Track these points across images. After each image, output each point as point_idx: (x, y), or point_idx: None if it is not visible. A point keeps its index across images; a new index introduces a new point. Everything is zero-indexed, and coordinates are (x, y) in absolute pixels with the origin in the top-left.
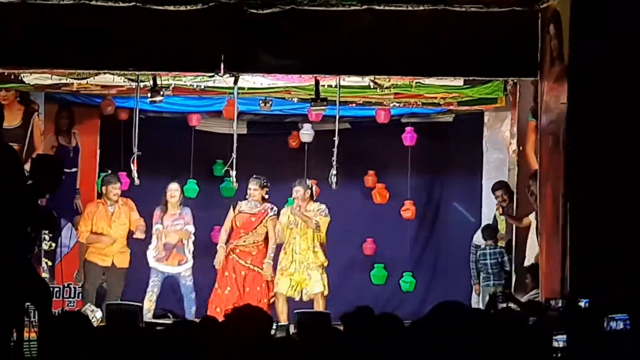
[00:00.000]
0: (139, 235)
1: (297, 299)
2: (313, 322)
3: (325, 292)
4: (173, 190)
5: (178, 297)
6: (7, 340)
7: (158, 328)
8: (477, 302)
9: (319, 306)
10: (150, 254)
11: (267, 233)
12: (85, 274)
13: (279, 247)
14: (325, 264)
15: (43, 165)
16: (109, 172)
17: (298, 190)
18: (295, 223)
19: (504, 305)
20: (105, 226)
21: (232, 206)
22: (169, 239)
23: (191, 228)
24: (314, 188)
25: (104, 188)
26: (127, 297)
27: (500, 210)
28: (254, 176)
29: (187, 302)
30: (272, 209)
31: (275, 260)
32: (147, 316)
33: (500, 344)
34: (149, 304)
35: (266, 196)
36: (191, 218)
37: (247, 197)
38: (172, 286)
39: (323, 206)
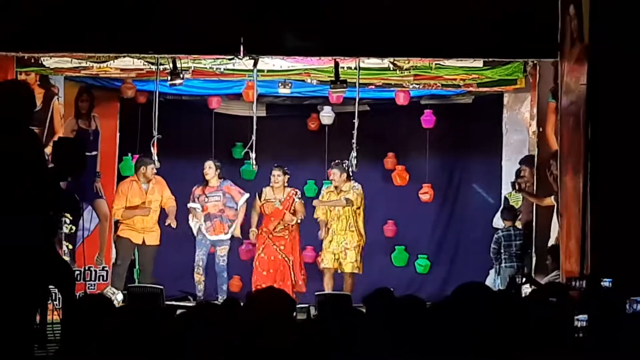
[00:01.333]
0: (171, 222)
1: (339, 271)
2: (333, 304)
3: (359, 272)
4: (207, 167)
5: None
6: (31, 323)
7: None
8: (496, 284)
9: (347, 285)
10: (194, 226)
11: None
12: (117, 251)
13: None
14: (362, 244)
15: (65, 149)
16: (141, 154)
17: (335, 173)
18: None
19: (524, 286)
20: (139, 203)
21: (257, 194)
22: (210, 209)
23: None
24: (349, 168)
25: (142, 168)
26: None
27: (517, 187)
28: (276, 165)
29: (219, 279)
30: (296, 194)
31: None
32: (199, 289)
33: (522, 325)
34: (197, 277)
35: (286, 183)
36: (234, 188)
37: (270, 184)
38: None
39: (357, 184)
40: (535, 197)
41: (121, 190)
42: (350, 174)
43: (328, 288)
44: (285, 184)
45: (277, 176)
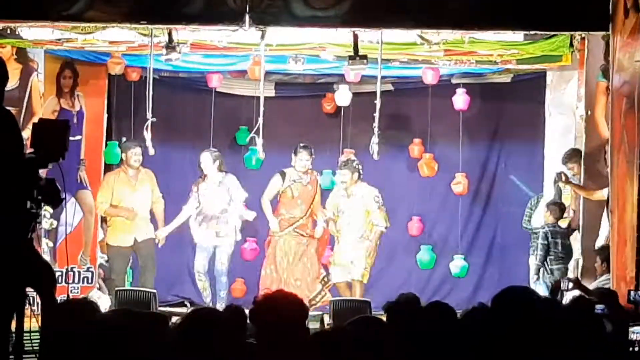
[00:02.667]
0: (160, 238)
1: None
2: (350, 312)
3: (364, 280)
4: (203, 160)
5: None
6: (5, 331)
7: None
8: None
9: (356, 293)
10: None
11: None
12: (110, 264)
13: None
14: (371, 260)
15: (45, 132)
16: (124, 139)
17: (344, 174)
18: (341, 210)
19: (571, 292)
20: (127, 195)
21: (280, 175)
22: (208, 209)
23: (239, 196)
24: (360, 167)
25: (123, 155)
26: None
27: (564, 177)
28: (302, 145)
29: (218, 285)
30: (317, 175)
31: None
32: (205, 295)
33: (570, 337)
34: (201, 284)
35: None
36: (236, 185)
37: (294, 166)
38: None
39: (375, 191)
40: (583, 190)
41: (106, 182)
42: (361, 174)
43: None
44: (310, 167)
45: (306, 160)
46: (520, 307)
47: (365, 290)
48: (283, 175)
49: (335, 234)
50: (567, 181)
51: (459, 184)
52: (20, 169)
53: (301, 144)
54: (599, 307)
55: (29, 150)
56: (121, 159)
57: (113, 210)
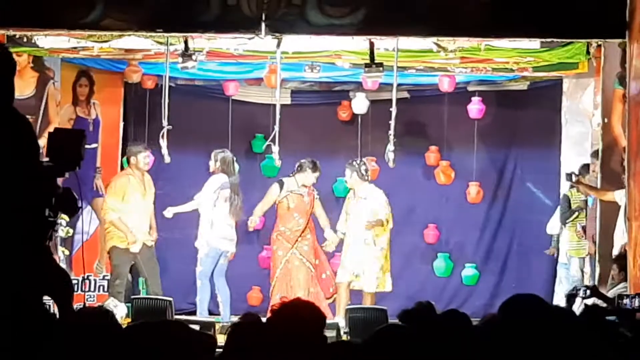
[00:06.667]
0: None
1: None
2: (366, 320)
3: (382, 288)
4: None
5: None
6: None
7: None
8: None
9: (366, 302)
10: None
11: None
12: (114, 267)
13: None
14: (386, 264)
15: (61, 141)
16: (129, 142)
17: (346, 174)
18: (349, 213)
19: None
20: (139, 198)
21: (278, 184)
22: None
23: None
24: (363, 168)
25: (132, 158)
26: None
27: (575, 178)
28: (314, 162)
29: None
30: (314, 189)
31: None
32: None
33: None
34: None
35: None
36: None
37: (295, 177)
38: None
39: (380, 193)
40: (594, 190)
41: (118, 186)
42: (363, 174)
43: (341, 304)
44: (314, 183)
45: (312, 177)
46: (527, 317)
47: (380, 297)
48: (281, 184)
49: (331, 248)
50: (578, 181)
51: (474, 192)
52: (39, 177)
53: (312, 161)
54: (611, 317)
55: (45, 159)
56: (128, 162)
57: (120, 224)
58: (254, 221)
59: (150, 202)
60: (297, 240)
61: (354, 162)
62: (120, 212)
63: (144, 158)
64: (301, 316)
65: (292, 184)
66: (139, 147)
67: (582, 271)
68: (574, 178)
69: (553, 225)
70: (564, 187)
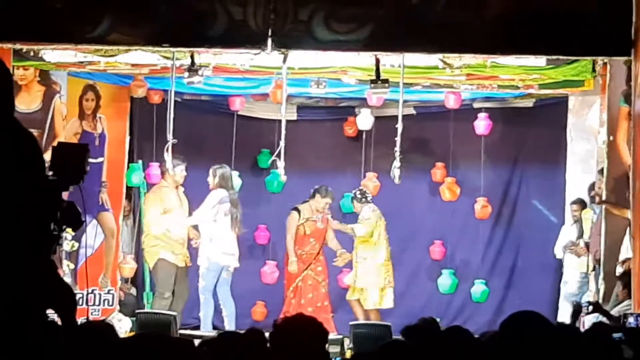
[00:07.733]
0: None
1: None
2: (370, 336)
3: (384, 304)
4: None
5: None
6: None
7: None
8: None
9: (371, 320)
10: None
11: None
12: (160, 277)
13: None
14: (389, 277)
15: (65, 155)
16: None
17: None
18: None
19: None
20: (177, 208)
21: (296, 211)
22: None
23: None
24: (358, 193)
25: (170, 171)
26: None
27: (598, 198)
28: (326, 189)
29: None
30: (328, 212)
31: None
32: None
33: None
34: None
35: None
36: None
37: (310, 203)
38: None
39: (368, 207)
40: (617, 208)
41: (156, 197)
42: (360, 198)
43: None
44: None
45: (326, 203)
46: (527, 334)
47: (386, 314)
48: (298, 212)
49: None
50: (602, 201)
51: (481, 208)
52: (43, 191)
53: (324, 188)
54: (616, 335)
55: (48, 173)
56: (163, 175)
57: (165, 235)
58: (294, 262)
59: (187, 214)
60: (311, 263)
61: (355, 192)
62: (163, 225)
63: (180, 171)
64: (304, 331)
65: (308, 212)
66: (176, 159)
67: (582, 285)
68: (597, 199)
69: (559, 249)
70: (569, 204)
